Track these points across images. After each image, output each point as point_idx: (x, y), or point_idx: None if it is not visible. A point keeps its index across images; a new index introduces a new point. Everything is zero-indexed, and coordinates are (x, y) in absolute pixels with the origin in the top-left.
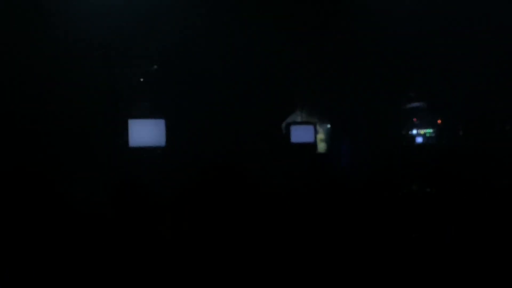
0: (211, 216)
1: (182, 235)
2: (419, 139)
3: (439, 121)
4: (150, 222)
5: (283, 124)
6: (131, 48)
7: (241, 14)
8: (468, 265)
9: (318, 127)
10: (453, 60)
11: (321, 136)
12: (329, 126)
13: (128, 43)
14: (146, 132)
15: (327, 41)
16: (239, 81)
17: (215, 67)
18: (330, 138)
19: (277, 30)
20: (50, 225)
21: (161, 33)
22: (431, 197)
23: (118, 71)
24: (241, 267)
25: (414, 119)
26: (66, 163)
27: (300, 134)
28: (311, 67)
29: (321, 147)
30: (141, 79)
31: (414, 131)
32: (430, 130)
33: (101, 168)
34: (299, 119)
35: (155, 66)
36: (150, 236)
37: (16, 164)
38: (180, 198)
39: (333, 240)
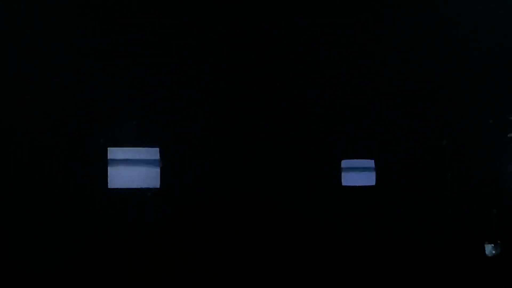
0: None
1: None
2: None
3: None
4: None
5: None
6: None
7: None
8: None
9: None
10: None
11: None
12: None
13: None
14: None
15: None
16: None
17: (234, 68)
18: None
19: None
20: None
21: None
22: None
23: (92, 75)
24: None
25: None
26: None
27: (355, 174)
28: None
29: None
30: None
31: None
32: None
33: (63, 221)
34: None
35: (147, 69)
36: None
37: None
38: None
39: None
